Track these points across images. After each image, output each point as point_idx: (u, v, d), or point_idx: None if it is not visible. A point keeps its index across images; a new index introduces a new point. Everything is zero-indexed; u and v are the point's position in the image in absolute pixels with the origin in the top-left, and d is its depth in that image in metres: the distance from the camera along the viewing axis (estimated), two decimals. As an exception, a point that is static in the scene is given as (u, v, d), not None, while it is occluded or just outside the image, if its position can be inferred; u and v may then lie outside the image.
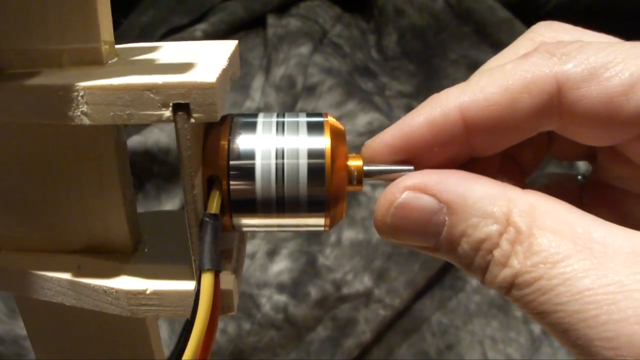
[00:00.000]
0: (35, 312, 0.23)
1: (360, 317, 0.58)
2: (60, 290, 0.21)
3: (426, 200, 0.18)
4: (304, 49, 0.72)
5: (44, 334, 0.24)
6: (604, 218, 0.23)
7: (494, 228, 0.16)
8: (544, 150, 0.24)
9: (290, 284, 0.58)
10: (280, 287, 0.58)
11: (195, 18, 0.74)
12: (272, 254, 0.60)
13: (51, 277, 0.21)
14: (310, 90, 0.68)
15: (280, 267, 0.59)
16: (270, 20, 0.77)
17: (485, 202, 0.17)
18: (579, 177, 0.25)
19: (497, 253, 0.16)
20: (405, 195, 0.18)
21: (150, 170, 0.63)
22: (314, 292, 0.57)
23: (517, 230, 0.16)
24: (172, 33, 0.72)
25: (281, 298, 0.57)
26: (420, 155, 0.20)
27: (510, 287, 0.16)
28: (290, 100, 0.68)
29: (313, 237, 0.60)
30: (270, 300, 0.57)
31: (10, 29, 0.19)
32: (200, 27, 0.71)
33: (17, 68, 0.19)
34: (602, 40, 0.19)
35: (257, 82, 0.71)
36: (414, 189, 0.18)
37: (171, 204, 0.63)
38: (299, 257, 0.59)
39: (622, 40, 0.19)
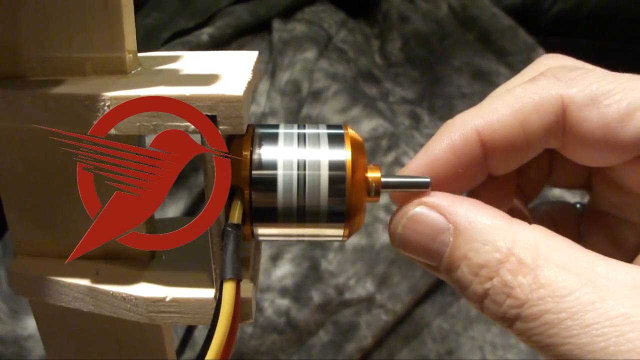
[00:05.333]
0: (50, 316, 0.23)
1: (362, 322, 0.58)
2: (78, 297, 0.21)
3: (435, 218, 0.18)
4: (310, 54, 0.72)
5: (57, 338, 0.24)
6: (600, 244, 0.24)
7: (493, 256, 0.17)
8: (544, 178, 0.25)
9: (293, 288, 0.58)
10: (283, 291, 0.58)
11: (201, 22, 0.74)
12: (275, 258, 0.60)
13: (69, 283, 0.21)
14: (316, 95, 0.68)
15: (284, 271, 0.59)
16: (276, 24, 0.77)
17: (490, 230, 0.17)
18: (577, 205, 0.26)
19: (496, 282, 0.17)
20: (418, 208, 0.19)
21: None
22: (316, 296, 0.58)
23: (520, 262, 0.17)
24: (178, 36, 0.72)
25: (284, 302, 0.57)
26: (445, 180, 0.21)
27: (514, 319, 0.17)
28: (296, 105, 0.68)
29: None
30: (273, 304, 0.57)
31: (33, 36, 0.19)
32: (206, 31, 0.71)
33: (40, 75, 0.19)
34: (602, 71, 0.21)
35: (263, 86, 0.71)
36: (427, 205, 0.19)
37: (175, 207, 0.63)
38: (302, 261, 0.59)
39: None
